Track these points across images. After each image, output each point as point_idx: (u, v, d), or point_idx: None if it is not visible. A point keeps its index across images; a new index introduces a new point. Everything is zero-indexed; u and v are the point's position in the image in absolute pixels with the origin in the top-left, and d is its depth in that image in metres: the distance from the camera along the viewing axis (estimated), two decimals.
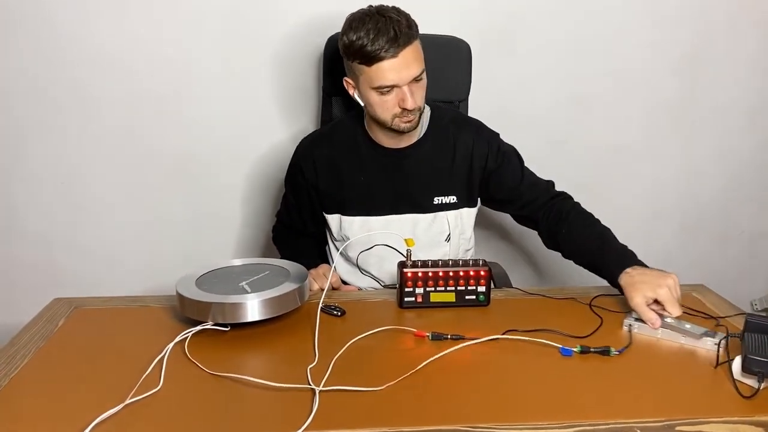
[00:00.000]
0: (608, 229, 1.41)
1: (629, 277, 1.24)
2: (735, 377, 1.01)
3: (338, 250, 1.53)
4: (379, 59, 1.29)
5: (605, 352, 1.10)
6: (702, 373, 1.06)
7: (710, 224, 2.23)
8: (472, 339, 1.14)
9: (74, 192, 1.96)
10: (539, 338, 1.14)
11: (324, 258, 1.61)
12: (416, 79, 1.33)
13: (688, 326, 1.15)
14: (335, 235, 1.54)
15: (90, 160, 1.93)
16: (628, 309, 1.23)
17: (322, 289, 1.29)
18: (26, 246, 1.99)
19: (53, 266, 2.01)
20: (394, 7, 1.34)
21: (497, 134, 1.54)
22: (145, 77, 1.87)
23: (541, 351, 1.11)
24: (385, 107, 1.36)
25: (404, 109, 1.34)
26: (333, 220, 1.52)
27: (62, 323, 1.22)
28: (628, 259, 1.30)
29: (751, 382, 1.00)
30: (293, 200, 1.58)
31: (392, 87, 1.32)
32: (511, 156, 1.53)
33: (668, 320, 1.17)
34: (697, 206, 2.20)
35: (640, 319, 1.19)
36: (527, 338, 1.14)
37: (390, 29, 1.28)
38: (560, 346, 1.11)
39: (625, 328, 1.20)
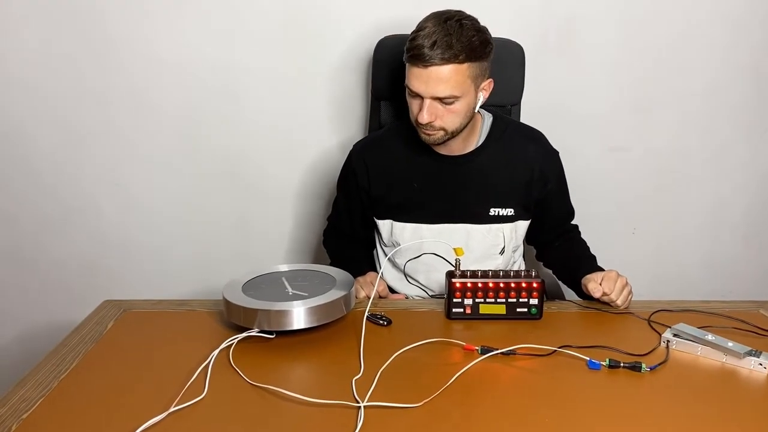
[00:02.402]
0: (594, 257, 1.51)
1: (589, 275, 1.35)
2: None
3: (386, 255, 1.51)
4: (412, 62, 1.27)
5: (636, 367, 1.05)
6: (752, 398, 1.00)
7: None
8: (524, 354, 1.10)
9: (128, 194, 1.99)
10: (595, 356, 1.09)
11: (372, 264, 1.59)
12: (443, 101, 1.28)
13: (730, 344, 1.08)
14: (385, 240, 1.52)
15: (144, 162, 1.96)
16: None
17: (369, 297, 1.26)
18: (80, 246, 2.03)
19: (105, 266, 2.05)
20: (473, 22, 1.29)
21: (557, 152, 1.50)
22: (198, 81, 1.88)
23: (596, 369, 1.06)
24: (410, 109, 1.35)
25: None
26: (384, 225, 1.50)
27: (111, 326, 1.23)
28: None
29: None
30: (344, 204, 1.57)
31: (417, 93, 1.29)
32: (565, 182, 1.53)
33: (709, 337, 1.10)
34: (762, 214, 2.09)
35: (679, 335, 1.13)
36: (582, 355, 1.09)
37: (440, 40, 1.23)
38: (627, 363, 1.06)
39: (663, 344, 1.14)
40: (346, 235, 1.60)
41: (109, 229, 2.02)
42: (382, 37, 1.64)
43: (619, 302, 1.28)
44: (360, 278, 1.40)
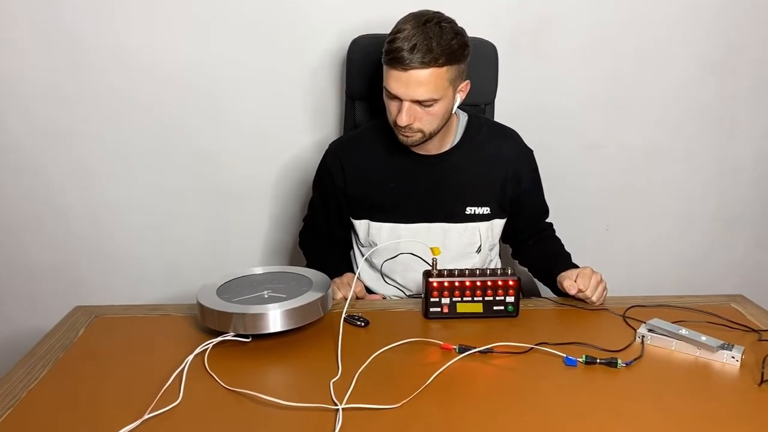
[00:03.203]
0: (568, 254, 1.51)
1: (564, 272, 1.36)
2: None
3: (363, 256, 1.50)
4: (392, 65, 1.26)
5: (612, 363, 1.06)
6: (725, 391, 1.01)
7: (746, 229, 2.15)
8: (502, 352, 1.10)
9: (96, 196, 1.95)
10: (571, 352, 1.09)
11: (349, 264, 1.58)
12: (422, 104, 1.28)
13: (703, 338, 1.10)
14: (362, 241, 1.51)
15: (112, 163, 1.92)
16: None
17: (346, 298, 1.26)
18: (48, 251, 1.99)
19: (75, 272, 2.01)
20: (452, 24, 1.28)
21: (532, 151, 1.50)
22: (168, 80, 1.85)
23: (572, 366, 1.07)
24: (388, 111, 1.34)
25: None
26: (361, 225, 1.49)
27: (82, 332, 1.20)
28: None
29: None
30: (320, 204, 1.55)
31: (395, 96, 1.29)
32: (539, 180, 1.54)
33: (683, 332, 1.12)
34: (732, 210, 2.13)
35: (653, 330, 1.14)
36: (558, 352, 1.09)
37: (420, 43, 1.22)
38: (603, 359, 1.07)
39: (638, 339, 1.15)
40: (322, 235, 1.59)
41: (79, 233, 1.98)
42: (356, 36, 1.63)
43: (594, 298, 1.29)
44: (337, 279, 1.40)
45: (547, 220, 1.59)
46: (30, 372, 1.05)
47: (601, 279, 1.31)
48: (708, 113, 2.00)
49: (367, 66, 1.59)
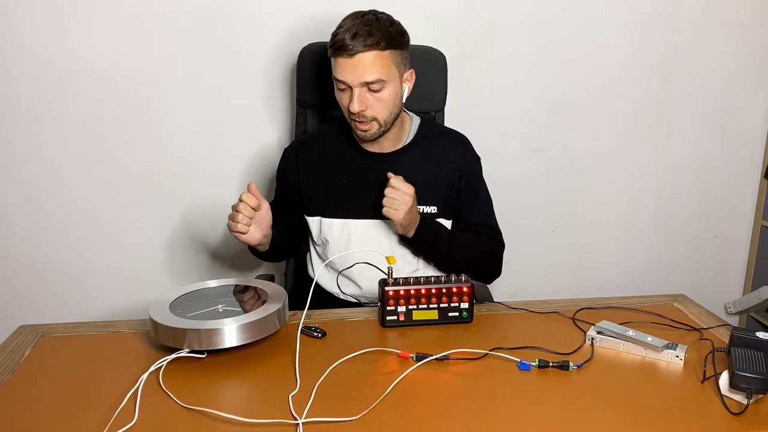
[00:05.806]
0: (468, 240, 1.48)
1: None
2: (723, 393, 1.01)
3: (319, 255, 1.53)
4: (338, 53, 1.31)
5: (564, 366, 1.09)
6: (670, 388, 1.05)
7: (685, 229, 2.25)
8: (458, 359, 1.12)
9: (38, 207, 1.89)
10: (525, 356, 1.12)
11: (288, 233, 1.55)
12: (370, 88, 1.32)
13: (649, 339, 1.15)
14: (315, 239, 1.53)
15: (57, 175, 1.87)
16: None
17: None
18: None
19: (18, 288, 1.93)
20: (387, 16, 1.35)
21: (480, 158, 1.54)
22: (115, 90, 1.81)
23: (526, 370, 1.10)
24: (341, 104, 1.38)
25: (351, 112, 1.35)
26: (314, 222, 1.51)
27: (29, 353, 1.16)
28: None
29: (739, 398, 0.99)
30: (278, 205, 1.55)
31: (346, 85, 1.33)
32: (484, 190, 1.54)
33: (630, 333, 1.16)
34: (672, 211, 2.22)
35: (602, 332, 1.18)
36: (513, 357, 1.12)
37: (360, 30, 1.28)
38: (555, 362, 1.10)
39: (588, 342, 1.19)
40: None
41: (21, 248, 1.91)
42: (306, 44, 1.63)
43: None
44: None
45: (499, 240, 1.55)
46: None
47: (397, 195, 1.33)
48: (649, 117, 2.09)
49: (317, 74, 1.59)
